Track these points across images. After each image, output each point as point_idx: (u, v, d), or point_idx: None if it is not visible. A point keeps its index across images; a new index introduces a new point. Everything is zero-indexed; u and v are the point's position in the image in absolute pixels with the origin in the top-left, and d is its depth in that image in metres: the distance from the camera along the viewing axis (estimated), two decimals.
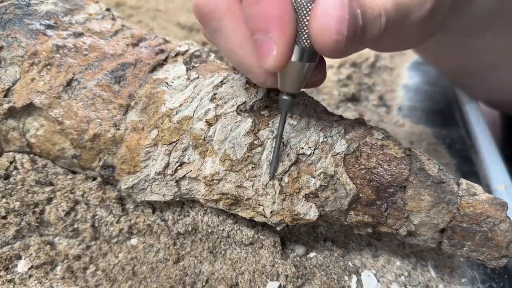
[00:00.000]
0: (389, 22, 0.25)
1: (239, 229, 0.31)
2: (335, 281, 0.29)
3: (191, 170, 0.28)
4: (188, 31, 0.56)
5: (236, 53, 0.25)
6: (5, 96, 0.29)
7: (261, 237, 0.31)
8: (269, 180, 0.27)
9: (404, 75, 0.59)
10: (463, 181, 0.28)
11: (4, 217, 0.29)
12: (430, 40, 0.35)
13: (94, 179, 0.31)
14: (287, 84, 0.25)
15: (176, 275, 0.29)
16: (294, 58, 0.23)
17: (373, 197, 0.27)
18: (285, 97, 0.25)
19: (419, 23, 0.28)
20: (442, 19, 0.32)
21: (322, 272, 0.30)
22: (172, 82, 0.29)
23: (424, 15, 0.28)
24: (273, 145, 0.27)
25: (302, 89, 0.27)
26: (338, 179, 0.27)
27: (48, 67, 0.29)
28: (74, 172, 0.32)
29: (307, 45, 0.22)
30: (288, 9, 0.21)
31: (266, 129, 0.28)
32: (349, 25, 0.21)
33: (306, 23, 0.22)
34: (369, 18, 0.24)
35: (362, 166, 0.27)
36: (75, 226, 0.30)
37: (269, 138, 0.28)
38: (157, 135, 0.28)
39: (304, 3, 0.21)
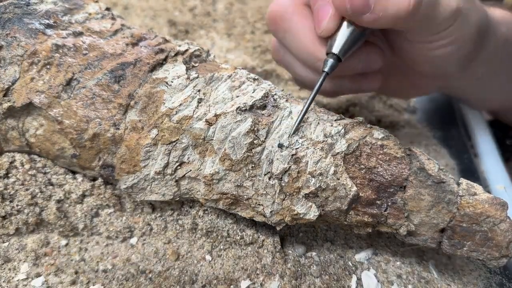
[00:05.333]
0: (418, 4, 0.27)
1: (239, 228, 0.31)
2: (335, 281, 0.29)
3: (190, 170, 0.28)
4: (186, 32, 0.56)
5: (303, 43, 0.32)
6: (5, 95, 0.29)
7: (261, 236, 0.31)
8: (289, 136, 0.28)
9: None
10: (463, 181, 0.28)
11: (4, 217, 0.29)
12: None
13: (94, 179, 0.31)
14: (334, 45, 0.29)
15: (175, 274, 0.28)
16: (344, 21, 0.29)
17: (373, 197, 0.27)
18: (329, 58, 0.29)
19: (447, 20, 0.30)
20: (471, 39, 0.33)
21: (322, 272, 0.30)
22: (172, 82, 0.29)
23: (450, 12, 0.29)
24: (305, 105, 0.28)
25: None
26: (338, 179, 0.27)
27: (48, 66, 0.29)
28: (74, 172, 0.32)
29: None
30: None
31: (266, 128, 0.28)
32: None
33: None
34: None
35: (362, 166, 0.27)
36: (75, 225, 0.30)
37: (269, 138, 0.28)
38: (157, 134, 0.28)
39: None
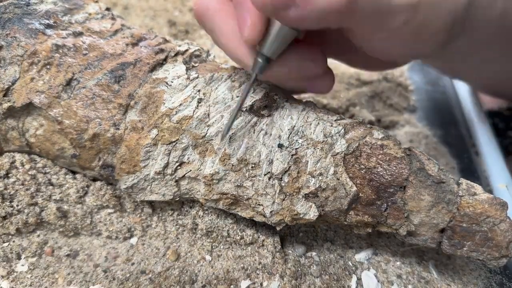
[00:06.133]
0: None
1: (239, 228, 0.31)
2: (335, 281, 0.29)
3: (190, 170, 0.28)
4: (186, 32, 0.56)
5: (228, 45, 0.27)
6: (5, 95, 0.29)
7: (261, 236, 0.31)
8: (220, 141, 0.27)
9: (404, 75, 0.59)
10: (463, 181, 0.28)
11: (4, 217, 0.29)
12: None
13: (94, 179, 0.31)
14: (265, 46, 0.25)
15: (175, 274, 0.29)
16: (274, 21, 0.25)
17: (373, 197, 0.27)
18: (259, 59, 0.26)
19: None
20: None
21: (322, 272, 0.30)
22: (172, 82, 0.29)
23: None
24: (237, 105, 0.27)
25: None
26: (338, 179, 0.27)
27: (48, 66, 0.29)
28: (74, 172, 0.32)
29: None
30: None
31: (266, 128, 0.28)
32: None
33: None
34: None
35: (362, 166, 0.27)
36: (75, 226, 0.30)
37: (269, 138, 0.28)
38: (157, 134, 0.28)
39: None
